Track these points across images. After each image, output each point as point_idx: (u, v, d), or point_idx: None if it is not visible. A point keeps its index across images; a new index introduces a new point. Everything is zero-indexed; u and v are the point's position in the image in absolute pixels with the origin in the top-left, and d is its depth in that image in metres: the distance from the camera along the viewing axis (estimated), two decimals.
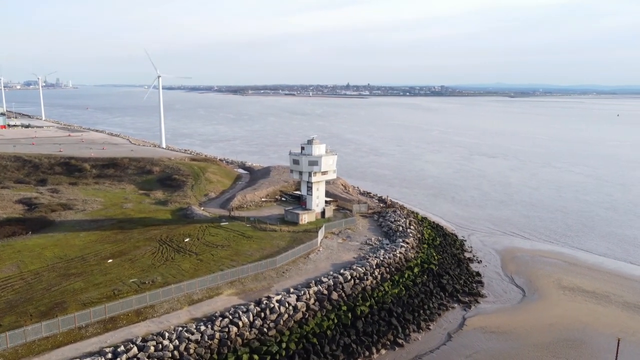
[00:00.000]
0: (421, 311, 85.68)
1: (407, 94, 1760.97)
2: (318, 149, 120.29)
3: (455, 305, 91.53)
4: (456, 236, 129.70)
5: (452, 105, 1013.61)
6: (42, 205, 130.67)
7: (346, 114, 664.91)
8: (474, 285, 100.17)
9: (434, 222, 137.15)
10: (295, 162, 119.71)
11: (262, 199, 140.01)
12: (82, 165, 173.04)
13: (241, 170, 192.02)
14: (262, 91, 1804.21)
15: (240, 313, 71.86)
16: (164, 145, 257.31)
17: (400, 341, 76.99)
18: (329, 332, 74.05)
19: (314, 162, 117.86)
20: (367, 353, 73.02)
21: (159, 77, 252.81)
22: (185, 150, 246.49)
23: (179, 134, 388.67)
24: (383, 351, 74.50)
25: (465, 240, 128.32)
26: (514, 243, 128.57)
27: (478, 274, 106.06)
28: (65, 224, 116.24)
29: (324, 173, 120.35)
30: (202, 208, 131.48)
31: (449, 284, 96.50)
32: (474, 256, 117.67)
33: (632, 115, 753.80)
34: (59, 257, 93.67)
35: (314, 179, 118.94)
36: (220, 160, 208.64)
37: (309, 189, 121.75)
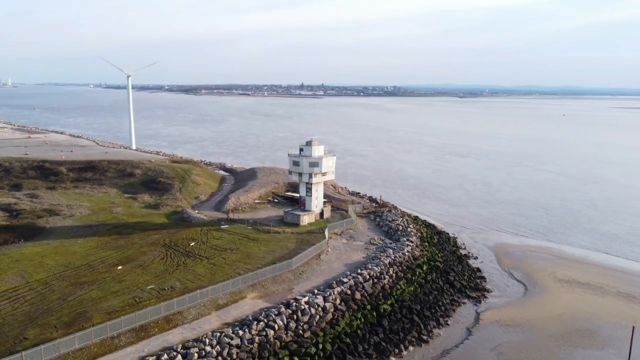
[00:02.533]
0: (437, 307, 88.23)
1: (361, 94, 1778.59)
2: (317, 150, 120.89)
3: (465, 300, 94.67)
4: (448, 234, 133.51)
5: (408, 105, 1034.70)
6: (25, 211, 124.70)
7: (309, 115, 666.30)
8: (478, 280, 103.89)
9: (424, 220, 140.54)
10: (295, 163, 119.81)
11: (256, 201, 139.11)
12: (58, 169, 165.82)
13: (222, 172, 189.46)
14: (215, 91, 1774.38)
15: (274, 316, 71.72)
16: (134, 147, 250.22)
17: (424, 337, 79.08)
18: (359, 331, 75.13)
19: (315, 164, 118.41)
20: (396, 350, 74.54)
21: (128, 76, 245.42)
22: (158, 152, 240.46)
23: (142, 135, 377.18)
24: (411, 348, 76.27)
25: (456, 238, 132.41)
26: (503, 239, 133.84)
27: (478, 270, 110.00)
28: (56, 231, 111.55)
29: (324, 174, 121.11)
30: (197, 211, 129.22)
31: (456, 280, 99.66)
32: (469, 253, 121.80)
33: (576, 115, 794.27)
34: (63, 266, 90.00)
35: (314, 180, 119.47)
36: (199, 162, 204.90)
37: (308, 190, 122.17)
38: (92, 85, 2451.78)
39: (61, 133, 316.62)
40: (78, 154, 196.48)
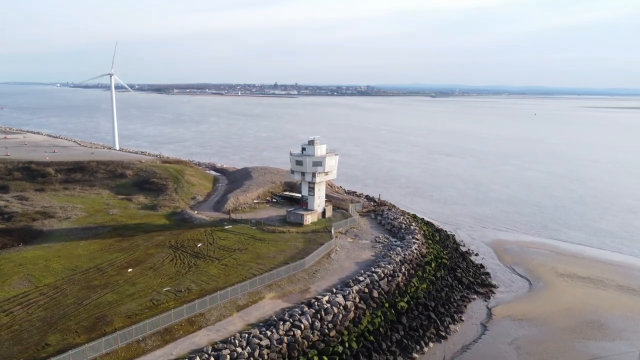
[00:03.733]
0: (449, 304, 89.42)
1: (335, 93, 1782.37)
2: (320, 150, 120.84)
3: (474, 296, 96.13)
4: (446, 232, 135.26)
5: (384, 105, 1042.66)
6: (17, 214, 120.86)
7: (288, 114, 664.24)
8: (483, 277, 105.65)
9: (422, 218, 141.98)
10: (299, 163, 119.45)
11: (254, 201, 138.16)
12: (45, 170, 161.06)
13: (213, 172, 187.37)
14: (187, 90, 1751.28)
15: (298, 315, 71.51)
16: (117, 147, 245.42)
17: (442, 334, 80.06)
18: (380, 329, 75.56)
19: (318, 163, 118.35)
20: (417, 347, 75.25)
21: (111, 75, 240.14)
22: (144, 152, 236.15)
23: (121, 135, 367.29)
24: (431, 344, 77.10)
25: (454, 235, 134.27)
26: (499, 236, 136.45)
27: (482, 266, 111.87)
28: (55, 233, 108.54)
29: (327, 173, 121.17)
30: (196, 212, 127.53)
31: (464, 277, 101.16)
32: (469, 250, 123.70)
33: (547, 115, 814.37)
34: (70, 269, 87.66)
35: (317, 179, 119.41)
36: (190, 162, 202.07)
37: (311, 189, 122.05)
38: (58, 85, 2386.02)
39: (38, 133, 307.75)
40: (62, 154, 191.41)
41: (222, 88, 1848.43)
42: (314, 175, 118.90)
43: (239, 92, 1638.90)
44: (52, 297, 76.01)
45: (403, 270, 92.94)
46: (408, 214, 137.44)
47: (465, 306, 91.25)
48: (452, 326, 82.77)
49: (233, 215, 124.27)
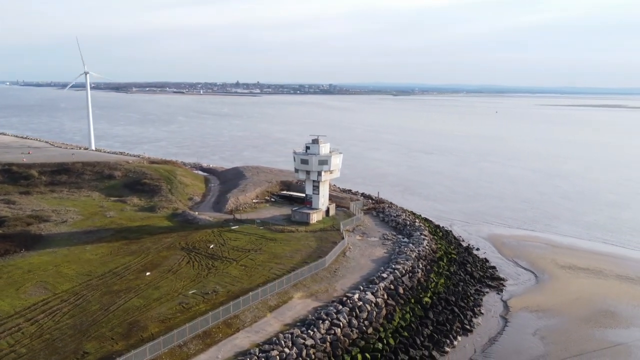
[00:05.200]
0: (467, 298, 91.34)
1: (298, 92, 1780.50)
2: (324, 148, 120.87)
3: (487, 290, 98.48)
4: (444, 228, 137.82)
5: (349, 103, 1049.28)
6: (9, 218, 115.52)
7: (257, 113, 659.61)
8: (490, 270, 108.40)
9: (419, 215, 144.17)
10: (304, 161, 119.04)
11: (254, 201, 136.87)
12: (28, 172, 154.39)
13: (201, 172, 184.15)
14: (147, 89, 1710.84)
15: (335, 314, 71.58)
16: (93, 148, 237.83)
17: (467, 327, 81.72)
18: (412, 324, 76.55)
19: (324, 162, 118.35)
20: (447, 341, 76.58)
21: (86, 73, 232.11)
22: (122, 152, 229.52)
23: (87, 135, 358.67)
24: (459, 338, 78.61)
25: (451, 231, 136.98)
26: (494, 231, 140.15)
27: (487, 260, 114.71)
28: (56, 238, 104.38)
29: (331, 172, 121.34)
30: (197, 212, 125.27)
31: (474, 271, 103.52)
32: (470, 245, 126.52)
33: (507, 112, 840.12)
34: (84, 274, 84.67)
35: (323, 177, 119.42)
36: (178, 162, 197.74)
37: (315, 188, 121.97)
38: (8, 83, 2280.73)
39: (3, 134, 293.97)
40: (39, 155, 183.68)
41: (183, 87, 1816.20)
42: (319, 173, 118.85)
43: (201, 91, 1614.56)
44: (75, 304, 73.25)
45: (420, 266, 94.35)
46: (408, 211, 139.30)
47: (481, 299, 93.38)
48: (474, 320, 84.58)
49: (237, 216, 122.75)
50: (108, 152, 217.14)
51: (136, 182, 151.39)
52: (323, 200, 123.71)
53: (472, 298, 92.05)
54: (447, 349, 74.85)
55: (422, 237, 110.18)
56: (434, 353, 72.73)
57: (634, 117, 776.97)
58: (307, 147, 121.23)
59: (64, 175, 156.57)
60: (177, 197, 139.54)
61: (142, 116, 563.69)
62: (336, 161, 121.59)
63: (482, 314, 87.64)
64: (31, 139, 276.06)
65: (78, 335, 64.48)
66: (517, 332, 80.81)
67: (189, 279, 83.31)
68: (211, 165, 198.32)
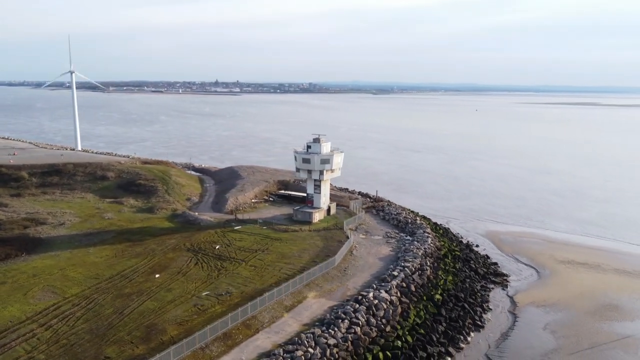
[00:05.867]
0: (475, 294, 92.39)
1: (278, 91, 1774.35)
2: (325, 147, 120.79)
3: (492, 286, 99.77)
4: (442, 225, 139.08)
5: (331, 102, 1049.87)
6: (3, 221, 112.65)
7: (240, 113, 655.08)
8: (492, 267, 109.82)
9: (417, 213, 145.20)
10: (306, 160, 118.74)
11: (253, 201, 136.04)
12: (18, 174, 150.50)
13: (193, 172, 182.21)
14: (125, 88, 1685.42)
15: (353, 313, 71.68)
16: (79, 148, 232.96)
17: (479, 323, 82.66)
18: (427, 322, 77.12)
19: (326, 161, 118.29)
20: (461, 337, 77.36)
21: (72, 73, 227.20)
22: (109, 153, 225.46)
23: (69, 135, 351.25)
24: (472, 334, 79.50)
25: (449, 229, 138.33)
26: (490, 228, 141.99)
27: (488, 257, 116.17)
28: (56, 241, 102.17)
29: (333, 171, 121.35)
30: (197, 213, 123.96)
31: (479, 268, 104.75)
32: (469, 241, 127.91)
33: (487, 110, 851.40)
34: (92, 278, 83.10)
35: (324, 177, 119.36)
36: (171, 162, 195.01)
37: (317, 187, 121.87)
38: None
39: None
40: (26, 157, 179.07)
41: (161, 86, 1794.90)
42: (321, 172, 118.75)
43: (180, 90, 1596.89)
44: (87, 308, 71.87)
45: (428, 263, 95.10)
46: (407, 209, 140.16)
47: (488, 295, 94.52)
48: (484, 315, 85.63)
49: (238, 216, 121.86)
50: (96, 153, 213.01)
51: (130, 183, 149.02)
52: (324, 199, 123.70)
53: (479, 294, 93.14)
54: (461, 345, 75.65)
55: (426, 234, 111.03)
56: (450, 349, 73.42)
57: (609, 114, 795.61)
58: (309, 146, 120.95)
59: (55, 176, 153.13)
60: (174, 197, 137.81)
61: (123, 116, 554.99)
62: (338, 160, 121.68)
63: (491, 309, 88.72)
64: (12, 139, 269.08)
65: (96, 339, 63.29)
66: (528, 327, 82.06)
67: (200, 281, 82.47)
68: (203, 165, 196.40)
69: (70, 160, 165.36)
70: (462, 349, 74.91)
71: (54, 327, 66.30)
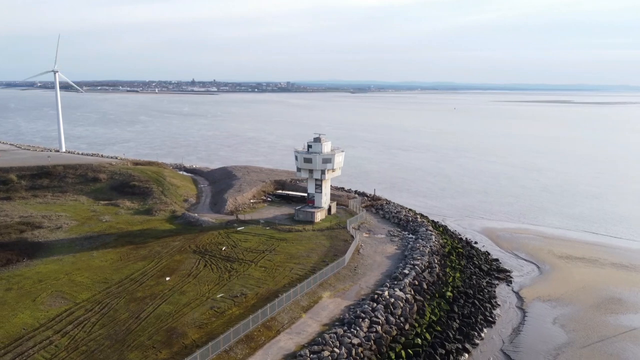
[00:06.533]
0: (482, 291, 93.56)
1: (256, 90, 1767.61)
2: (327, 147, 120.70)
3: (496, 282, 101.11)
4: (439, 222, 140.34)
5: (310, 101, 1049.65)
6: None
7: (221, 112, 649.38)
8: (494, 263, 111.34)
9: (414, 211, 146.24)
10: (307, 160, 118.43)
11: (251, 201, 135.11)
12: (6, 177, 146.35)
13: (184, 173, 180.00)
14: (99, 87, 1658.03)
15: (371, 311, 71.84)
16: (63, 149, 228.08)
17: (490, 319, 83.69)
18: (442, 319, 77.77)
19: (328, 160, 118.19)
20: (475, 334, 78.25)
21: (55, 72, 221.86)
22: (94, 154, 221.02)
23: (49, 136, 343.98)
24: (485, 330, 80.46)
25: (446, 226, 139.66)
26: (486, 224, 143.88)
27: (488, 253, 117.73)
28: (56, 245, 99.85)
29: (334, 170, 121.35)
30: (197, 214, 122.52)
31: (482, 264, 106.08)
32: (466, 238, 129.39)
33: (466, 109, 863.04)
34: (101, 282, 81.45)
35: (326, 176, 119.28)
36: (162, 163, 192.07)
37: (318, 187, 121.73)
38: None
39: None
40: (11, 159, 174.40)
41: (137, 85, 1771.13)
42: (323, 172, 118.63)
43: (156, 90, 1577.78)
44: (101, 313, 70.38)
45: (436, 261, 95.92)
46: (406, 207, 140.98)
47: (495, 291, 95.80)
48: (494, 311, 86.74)
49: (239, 216, 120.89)
50: (82, 154, 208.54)
51: (124, 184, 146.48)
52: (325, 198, 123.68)
53: (486, 290, 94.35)
54: (476, 341, 76.50)
55: (429, 232, 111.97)
56: (467, 346, 74.17)
57: (585, 111, 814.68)
58: (309, 146, 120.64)
59: (45, 179, 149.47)
60: (171, 199, 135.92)
61: (101, 116, 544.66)
62: (339, 159, 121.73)
63: (499, 305, 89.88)
64: None
65: (117, 345, 62.03)
66: (538, 322, 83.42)
67: (213, 283, 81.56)
68: (195, 166, 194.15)
69: (59, 162, 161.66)
70: (477, 345, 75.71)
71: (71, 333, 64.74)
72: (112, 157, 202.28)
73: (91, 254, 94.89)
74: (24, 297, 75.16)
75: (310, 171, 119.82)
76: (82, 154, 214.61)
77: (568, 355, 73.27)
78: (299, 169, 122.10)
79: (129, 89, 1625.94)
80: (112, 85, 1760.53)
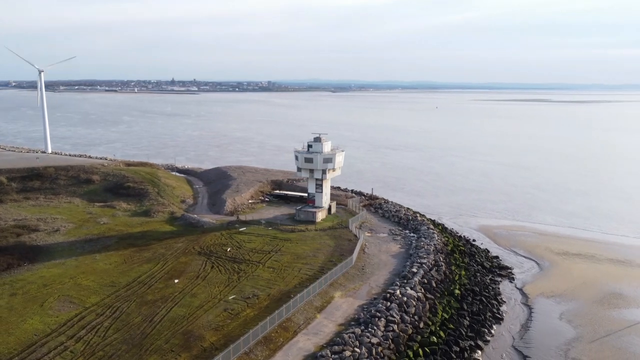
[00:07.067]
0: (487, 288, 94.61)
1: (237, 89, 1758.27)
2: (327, 147, 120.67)
3: (499, 279, 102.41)
4: (436, 221, 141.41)
5: (293, 100, 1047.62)
6: None
7: (205, 112, 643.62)
8: (495, 260, 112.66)
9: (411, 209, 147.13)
10: (308, 160, 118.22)
11: (250, 201, 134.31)
12: None
13: (177, 174, 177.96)
14: (76, 87, 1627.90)
15: (385, 310, 72.07)
16: (49, 151, 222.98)
17: (498, 316, 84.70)
18: (453, 316, 78.43)
19: (329, 159, 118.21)
20: (486, 331, 79.10)
21: (40, 72, 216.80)
22: (82, 155, 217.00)
23: (31, 137, 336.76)
24: (494, 327, 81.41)
25: (443, 224, 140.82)
26: (481, 222, 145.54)
27: (488, 251, 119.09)
28: (56, 248, 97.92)
29: (334, 170, 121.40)
30: (196, 215, 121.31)
31: (484, 262, 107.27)
32: (464, 236, 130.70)
33: (447, 108, 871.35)
34: (108, 285, 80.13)
35: (327, 176, 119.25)
36: (153, 164, 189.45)
37: (318, 186, 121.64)
38: None
39: None
40: (8, 161, 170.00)
41: (115, 85, 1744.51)
42: (324, 172, 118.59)
43: (136, 89, 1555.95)
44: (113, 317, 69.22)
45: (441, 259, 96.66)
46: (404, 206, 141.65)
47: (499, 288, 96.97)
48: (501, 308, 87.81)
49: (239, 217, 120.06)
50: (70, 155, 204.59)
51: (118, 186, 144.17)
52: (326, 198, 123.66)
53: (490, 287, 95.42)
54: (488, 338, 77.31)
55: (431, 231, 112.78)
56: (479, 343, 74.93)
57: (562, 110, 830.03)
58: (310, 146, 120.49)
59: (36, 181, 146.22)
60: (168, 200, 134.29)
61: (83, 116, 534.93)
62: (339, 159, 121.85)
63: (505, 302, 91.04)
64: None
65: (134, 350, 61.06)
66: (545, 318, 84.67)
67: (223, 285, 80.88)
68: (187, 166, 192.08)
69: (49, 164, 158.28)
70: (488, 341, 76.53)
71: (85, 338, 63.52)
72: (101, 158, 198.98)
73: (94, 257, 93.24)
74: (31, 303, 73.47)
75: (311, 171, 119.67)
76: (69, 155, 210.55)
77: (578, 350, 74.54)
78: (299, 169, 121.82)
79: (107, 88, 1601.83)
80: (90, 85, 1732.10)
